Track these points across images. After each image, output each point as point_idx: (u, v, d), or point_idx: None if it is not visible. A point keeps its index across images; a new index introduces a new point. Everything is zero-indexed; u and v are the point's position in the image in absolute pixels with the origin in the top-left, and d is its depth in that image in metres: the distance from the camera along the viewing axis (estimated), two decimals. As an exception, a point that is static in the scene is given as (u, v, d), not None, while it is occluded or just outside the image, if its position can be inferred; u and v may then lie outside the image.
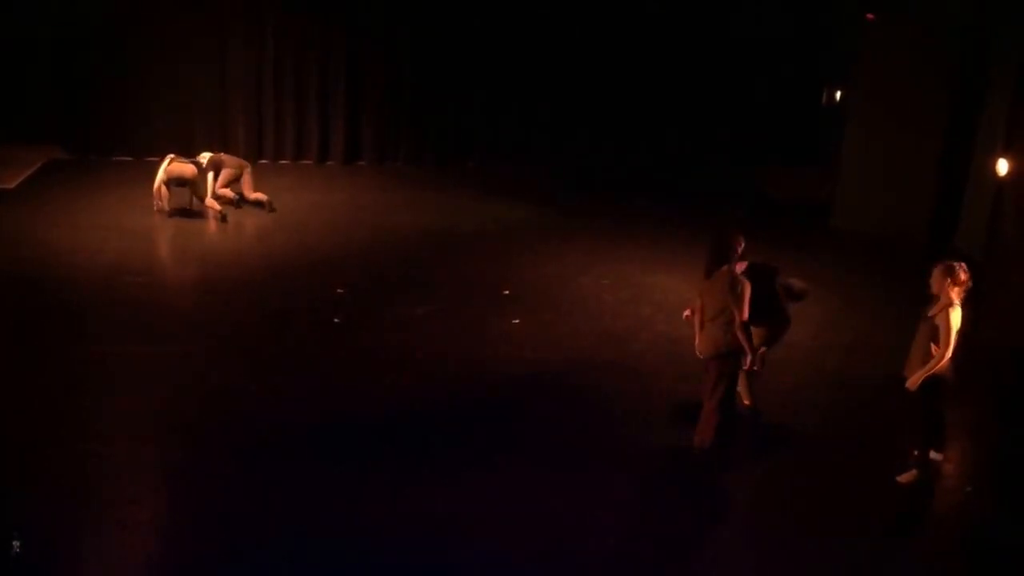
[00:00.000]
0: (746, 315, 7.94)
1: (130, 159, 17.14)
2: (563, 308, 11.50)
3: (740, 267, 8.30)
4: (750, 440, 8.61)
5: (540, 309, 11.41)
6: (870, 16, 14.09)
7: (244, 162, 14.81)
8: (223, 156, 14.57)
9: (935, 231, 13.96)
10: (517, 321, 11.01)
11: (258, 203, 14.49)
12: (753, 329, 8.31)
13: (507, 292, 11.87)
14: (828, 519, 7.59)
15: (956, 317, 7.74)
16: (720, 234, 8.45)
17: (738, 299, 7.91)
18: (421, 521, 7.22)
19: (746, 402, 8.97)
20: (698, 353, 8.24)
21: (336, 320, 10.85)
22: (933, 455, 8.23)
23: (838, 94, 16.35)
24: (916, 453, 8.16)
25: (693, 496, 7.88)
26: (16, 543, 6.47)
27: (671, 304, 11.63)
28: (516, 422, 8.85)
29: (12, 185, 15.30)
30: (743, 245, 8.30)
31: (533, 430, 8.70)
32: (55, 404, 8.69)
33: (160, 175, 13.81)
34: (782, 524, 7.53)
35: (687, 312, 8.57)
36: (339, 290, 11.69)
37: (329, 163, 17.87)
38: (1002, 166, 11.56)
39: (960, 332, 7.83)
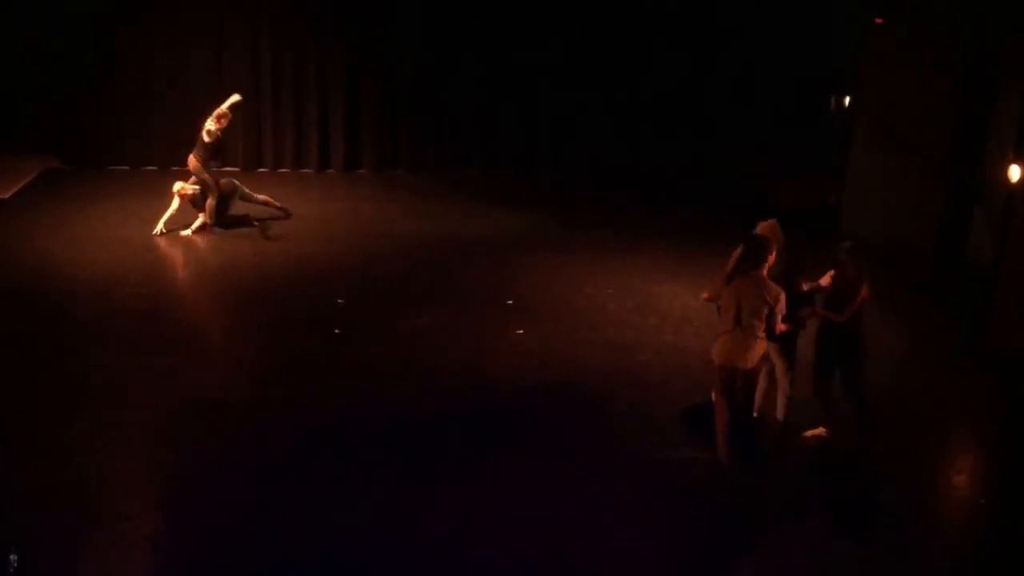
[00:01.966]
0: (781, 325, 7.88)
1: (127, 168, 17.05)
2: (567, 318, 11.38)
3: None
4: (758, 447, 8.56)
5: (544, 319, 11.30)
6: (879, 20, 13.94)
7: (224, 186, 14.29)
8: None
9: (945, 238, 13.80)
10: (521, 331, 10.90)
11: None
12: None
13: (511, 302, 11.75)
14: (837, 527, 7.55)
15: None
16: (754, 237, 8.30)
17: (773, 307, 7.81)
18: (425, 531, 7.18)
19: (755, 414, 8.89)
20: (723, 358, 8.03)
21: (337, 331, 10.74)
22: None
23: (846, 100, 16.18)
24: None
25: (701, 505, 7.80)
26: (13, 557, 6.41)
27: (677, 314, 11.57)
28: (521, 433, 8.76)
29: (7, 195, 15.16)
30: (776, 247, 8.20)
31: (538, 441, 8.62)
32: (51, 417, 8.59)
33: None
34: (790, 532, 7.47)
35: (704, 295, 8.62)
36: (340, 300, 11.59)
37: (329, 171, 17.76)
38: (1014, 172, 11.41)
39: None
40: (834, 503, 7.96)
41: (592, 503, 7.67)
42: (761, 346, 7.96)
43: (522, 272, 12.86)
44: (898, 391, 9.96)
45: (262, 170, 17.45)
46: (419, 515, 7.38)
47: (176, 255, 13.09)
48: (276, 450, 8.24)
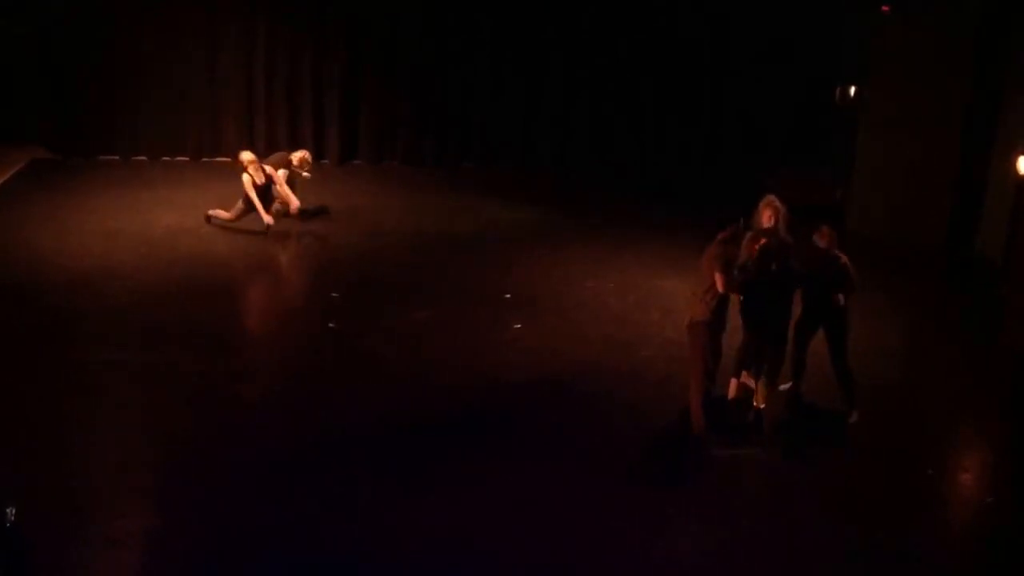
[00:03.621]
0: (721, 286, 8.27)
1: (117, 159, 16.83)
2: (567, 313, 11.24)
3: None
4: (761, 446, 8.58)
5: (543, 314, 11.16)
6: (885, 8, 13.75)
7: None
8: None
9: (953, 234, 13.66)
10: (519, 326, 10.76)
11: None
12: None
13: (509, 296, 11.61)
14: (844, 528, 7.50)
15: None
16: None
17: (712, 269, 8.33)
18: (422, 531, 7.12)
19: (759, 404, 8.88)
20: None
21: (331, 325, 10.61)
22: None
23: (852, 91, 15.99)
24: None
25: (704, 505, 7.73)
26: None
27: (680, 309, 11.26)
28: (519, 430, 8.70)
29: (-6, 186, 15.01)
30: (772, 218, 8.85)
31: (536, 438, 8.55)
32: (39, 413, 8.49)
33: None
34: (795, 533, 7.41)
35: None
36: (334, 294, 11.45)
37: (323, 162, 17.48)
38: (1023, 165, 11.27)
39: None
40: (837, 504, 7.86)
41: (591, 502, 7.59)
42: (699, 308, 8.48)
43: (521, 266, 12.71)
44: (906, 387, 9.90)
45: (255, 161, 17.22)
46: (416, 514, 7.31)
47: (167, 248, 12.83)
48: (270, 447, 8.15)
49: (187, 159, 17.02)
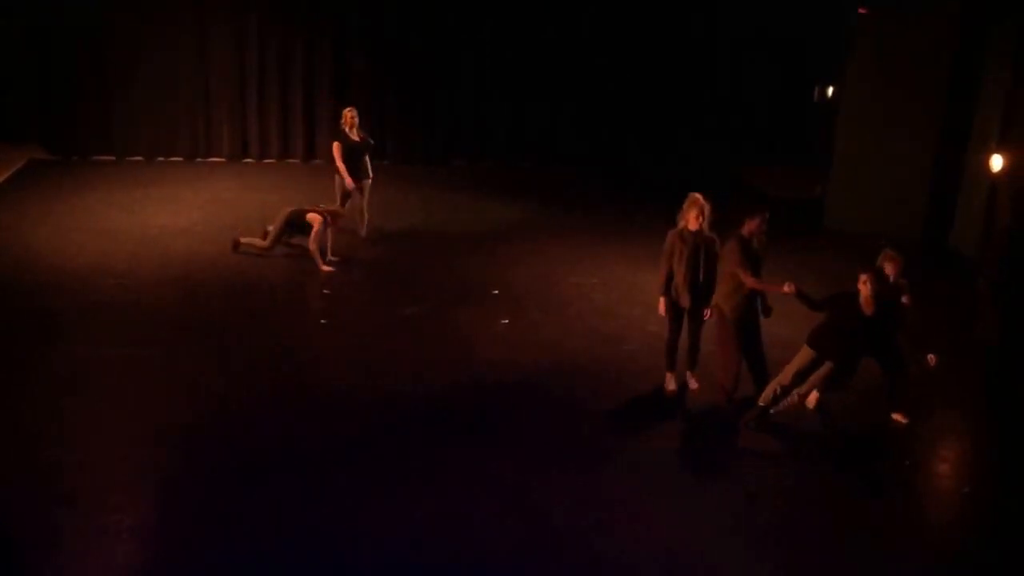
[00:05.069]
0: (750, 283, 8.71)
1: (113, 159, 16.94)
2: (552, 308, 11.34)
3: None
4: (750, 443, 8.56)
5: (529, 309, 11.26)
6: (863, 10, 13.95)
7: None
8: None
9: (929, 229, 13.84)
10: (506, 321, 10.86)
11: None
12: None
13: (496, 292, 11.71)
14: (827, 521, 7.51)
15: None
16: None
17: (732, 265, 8.78)
18: (408, 526, 7.09)
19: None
20: None
21: (323, 321, 10.70)
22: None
23: (830, 90, 16.19)
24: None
25: (688, 497, 7.75)
26: None
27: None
28: (505, 424, 8.69)
29: (-8, 185, 15.11)
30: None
31: (522, 432, 8.54)
32: (34, 409, 8.51)
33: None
34: (782, 527, 7.41)
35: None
36: (325, 291, 11.54)
37: (316, 161, 17.65)
38: (996, 162, 11.47)
39: None
40: (825, 496, 7.93)
41: (577, 496, 7.59)
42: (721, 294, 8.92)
43: (508, 262, 12.80)
44: (881, 379, 9.91)
45: (247, 160, 17.36)
46: (410, 512, 7.29)
47: (161, 247, 12.93)
48: (260, 443, 8.14)
49: (181, 159, 17.20)
